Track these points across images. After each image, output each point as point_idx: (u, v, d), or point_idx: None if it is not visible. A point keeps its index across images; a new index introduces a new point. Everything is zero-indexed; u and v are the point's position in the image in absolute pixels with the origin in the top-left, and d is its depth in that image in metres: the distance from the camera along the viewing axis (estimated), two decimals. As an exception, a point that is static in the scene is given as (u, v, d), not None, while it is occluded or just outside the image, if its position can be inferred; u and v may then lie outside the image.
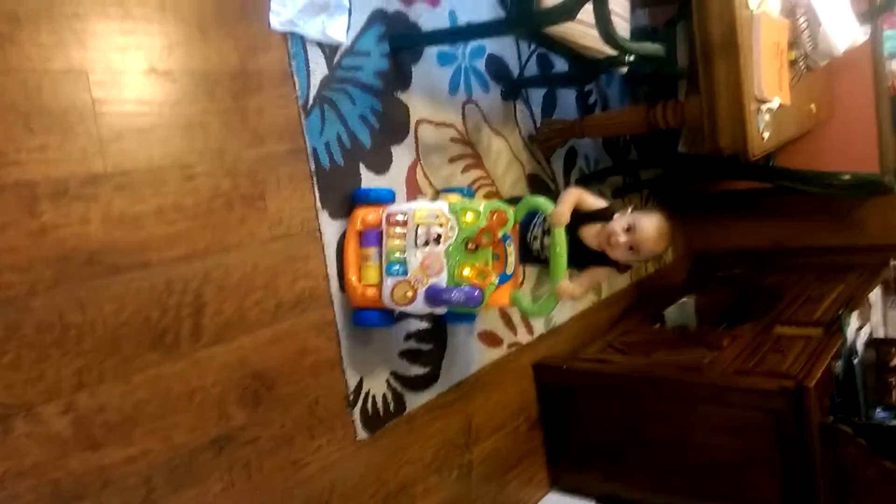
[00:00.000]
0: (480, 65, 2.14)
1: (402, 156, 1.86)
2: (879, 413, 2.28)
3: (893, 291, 2.96)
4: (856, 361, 2.15)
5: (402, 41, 1.82)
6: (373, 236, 1.62)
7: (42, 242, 1.15)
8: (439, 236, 1.56)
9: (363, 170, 1.75)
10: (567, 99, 2.54)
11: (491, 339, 2.16)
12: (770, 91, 1.77)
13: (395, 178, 1.83)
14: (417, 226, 1.57)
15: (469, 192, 1.97)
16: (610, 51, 1.74)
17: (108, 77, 1.25)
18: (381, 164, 1.80)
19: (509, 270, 1.58)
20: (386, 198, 1.69)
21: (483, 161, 2.15)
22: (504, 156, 2.24)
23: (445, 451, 1.98)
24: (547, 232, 1.59)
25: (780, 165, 2.64)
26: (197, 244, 1.37)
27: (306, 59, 1.61)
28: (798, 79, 2.10)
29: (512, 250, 1.59)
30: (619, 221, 1.59)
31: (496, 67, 2.20)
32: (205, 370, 1.38)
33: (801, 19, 2.03)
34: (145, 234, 1.29)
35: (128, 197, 1.26)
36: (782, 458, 1.93)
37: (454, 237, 1.56)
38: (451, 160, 2.03)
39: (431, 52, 1.95)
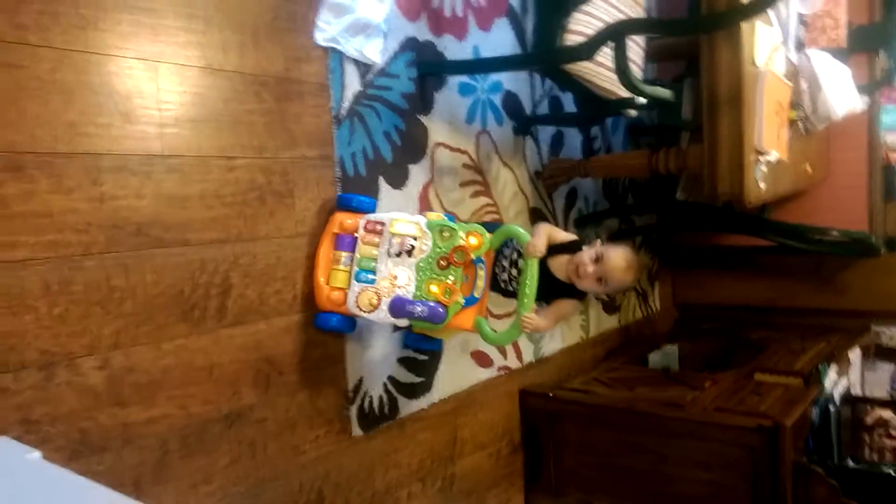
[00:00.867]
0: (497, 99, 2.28)
1: (417, 174, 1.99)
2: (851, 465, 2.38)
3: (872, 355, 3.09)
4: (832, 409, 2.25)
5: (429, 68, 1.96)
6: (347, 241, 1.63)
7: (100, 209, 1.26)
8: (412, 248, 1.57)
9: (382, 182, 1.87)
10: (573, 141, 2.68)
11: (482, 359, 2.26)
12: (769, 144, 1.91)
13: (410, 193, 1.96)
14: (393, 235, 1.58)
15: (451, 219, 2.05)
16: (623, 93, 1.88)
17: (172, 69, 1.37)
18: (399, 180, 1.93)
19: (477, 293, 1.59)
20: (367, 207, 1.69)
21: (491, 189, 2.28)
22: (510, 187, 2.37)
23: (431, 460, 2.06)
24: (515, 264, 1.65)
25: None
26: (230, 230, 1.48)
27: (342, 75, 1.74)
28: (796, 138, 2.25)
29: (483, 274, 1.59)
30: (588, 252, 1.64)
31: (511, 103, 2.34)
32: (224, 348, 1.47)
33: (804, 83, 2.19)
34: (188, 215, 1.40)
35: (177, 179, 1.38)
36: (755, 494, 2.02)
37: (427, 252, 1.57)
38: (462, 184, 2.16)
39: (454, 81, 2.10)
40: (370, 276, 1.58)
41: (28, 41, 1.18)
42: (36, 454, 1.04)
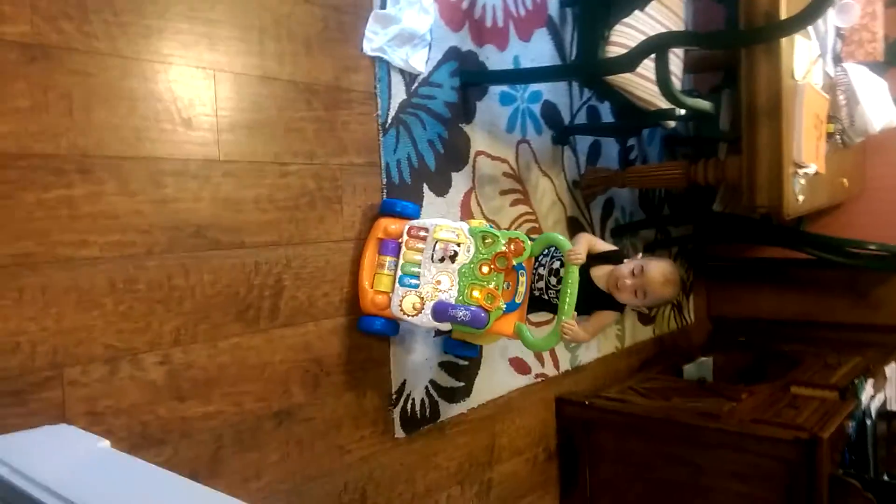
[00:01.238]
0: (536, 109, 2.32)
1: (460, 182, 2.02)
2: (887, 479, 2.36)
3: (907, 370, 3.06)
4: (868, 423, 2.24)
5: (472, 77, 2.01)
6: (392, 246, 1.66)
7: (162, 211, 1.31)
8: (455, 254, 1.60)
9: (426, 190, 1.91)
10: (610, 151, 2.71)
11: (520, 365, 2.28)
12: (808, 157, 1.92)
13: (452, 201, 1.99)
14: (436, 241, 1.61)
15: (489, 226, 2.05)
16: (662, 104, 1.91)
17: (230, 77, 1.43)
18: (442, 187, 1.97)
19: (518, 299, 1.60)
20: (412, 212, 1.73)
21: (530, 198, 2.31)
22: (549, 196, 2.40)
23: (469, 464, 2.09)
24: (553, 272, 1.65)
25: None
26: (283, 234, 1.53)
27: (389, 84, 1.79)
28: (833, 151, 2.26)
29: (524, 280, 1.60)
30: (628, 265, 1.65)
31: (550, 113, 2.38)
32: (276, 348, 1.52)
33: (841, 97, 2.20)
34: (243, 218, 1.45)
35: (233, 183, 1.43)
36: (791, 507, 2.02)
37: (470, 257, 1.60)
38: (502, 193, 2.19)
39: (495, 91, 2.14)
40: (414, 281, 1.61)
41: (98, 50, 1.24)
42: (105, 443, 1.09)
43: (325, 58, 1.63)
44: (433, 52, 1.91)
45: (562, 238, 1.61)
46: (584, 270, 1.64)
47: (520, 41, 2.22)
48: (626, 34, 1.81)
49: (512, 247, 1.59)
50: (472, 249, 1.60)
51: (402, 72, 1.82)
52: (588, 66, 1.79)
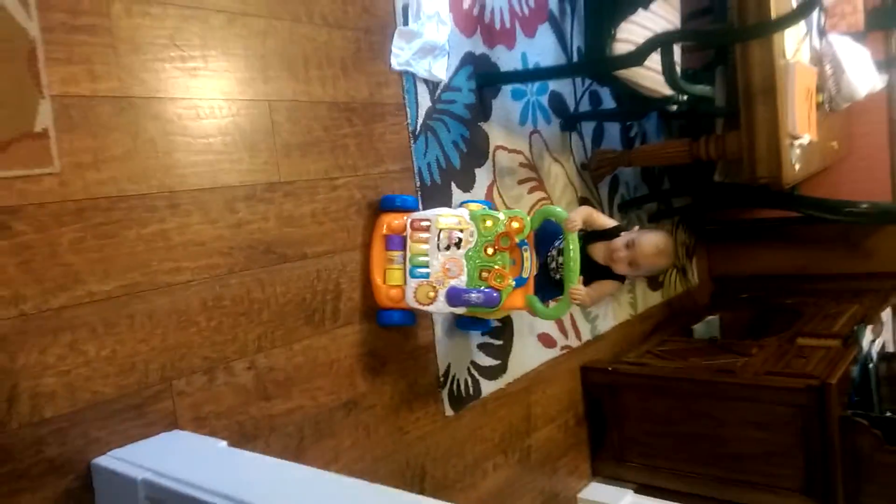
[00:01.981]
0: (545, 100, 2.47)
1: (482, 176, 2.18)
2: (891, 416, 2.56)
3: (902, 313, 3.26)
4: (871, 366, 2.44)
5: (487, 79, 2.15)
6: (397, 240, 1.72)
7: (238, 234, 1.46)
8: (460, 241, 1.67)
9: (454, 187, 2.06)
10: (612, 132, 2.86)
11: (547, 340, 2.46)
12: (802, 129, 2.08)
13: (477, 195, 2.15)
14: (440, 231, 1.68)
15: (488, 205, 2.01)
16: (666, 91, 2.06)
17: (284, 105, 1.57)
18: (467, 183, 2.12)
19: (525, 274, 1.67)
20: (411, 205, 1.79)
21: (544, 184, 2.47)
22: (561, 180, 2.56)
23: (510, 434, 2.27)
24: (560, 252, 1.72)
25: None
26: (337, 242, 1.68)
27: (416, 94, 1.94)
28: (822, 118, 2.42)
29: (528, 255, 1.67)
30: (622, 238, 1.75)
31: (556, 102, 2.53)
32: (340, 345, 1.68)
33: (828, 66, 2.35)
34: (304, 232, 1.60)
35: (293, 201, 1.58)
36: (806, 448, 2.21)
37: (474, 241, 1.66)
38: (520, 182, 2.35)
39: (507, 87, 2.28)
40: (424, 271, 1.69)
41: (174, 95, 1.38)
42: (223, 443, 1.26)
43: (360, 77, 1.77)
44: (451, 59, 2.05)
45: (557, 209, 1.68)
46: (582, 247, 1.72)
47: (526, 38, 2.37)
48: (632, 31, 1.96)
49: (513, 225, 1.66)
50: (475, 233, 1.67)
51: (426, 81, 1.96)
52: (598, 63, 1.94)
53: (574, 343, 2.59)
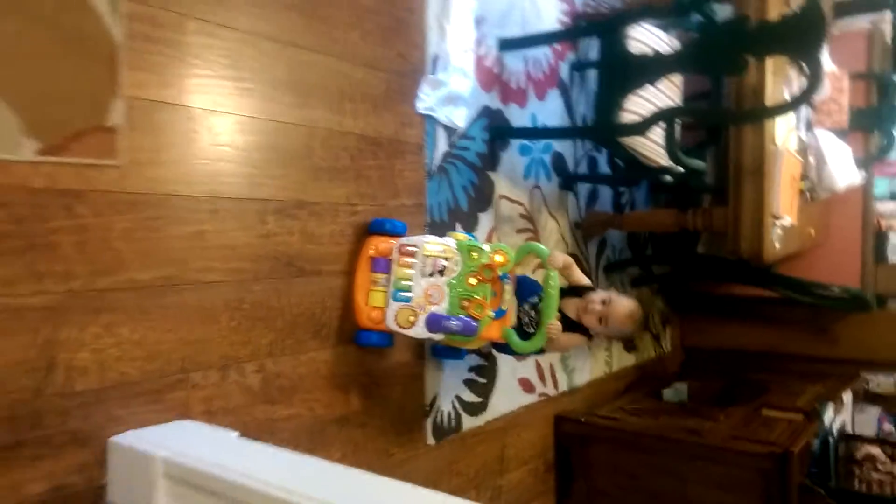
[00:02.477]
0: (548, 158, 2.63)
1: (484, 221, 2.31)
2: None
3: (861, 399, 3.42)
4: (831, 441, 2.57)
5: (501, 132, 2.30)
6: (383, 263, 1.75)
7: (265, 244, 1.57)
8: (444, 268, 1.71)
9: (458, 227, 2.19)
10: (605, 195, 3.03)
11: (527, 385, 2.56)
12: (784, 211, 2.25)
13: (478, 238, 2.27)
14: (426, 257, 1.72)
15: (473, 237, 2.00)
16: (664, 161, 2.22)
17: (319, 132, 1.70)
18: (470, 225, 2.25)
19: (504, 307, 1.72)
20: (400, 230, 1.84)
21: (540, 236, 2.61)
22: (555, 234, 2.70)
23: (484, 472, 2.35)
24: (534, 307, 1.77)
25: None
26: (350, 264, 1.79)
27: (435, 137, 2.08)
28: (803, 205, 2.60)
29: (508, 289, 1.73)
30: (600, 294, 1.81)
31: (558, 162, 2.69)
32: (341, 362, 1.77)
33: (812, 158, 2.55)
34: (322, 250, 1.71)
35: (316, 220, 1.69)
36: (765, 513, 2.32)
37: (458, 271, 1.70)
38: (518, 231, 2.49)
39: (516, 142, 2.44)
40: (406, 295, 1.71)
41: (226, 109, 1.50)
42: (235, 433, 1.34)
43: (388, 115, 1.91)
44: (470, 110, 2.20)
45: (540, 246, 1.75)
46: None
47: (537, 100, 2.54)
48: (638, 103, 2.12)
49: (496, 258, 1.72)
50: (460, 263, 1.71)
51: (445, 127, 2.10)
52: (605, 129, 2.10)
53: (551, 391, 2.70)
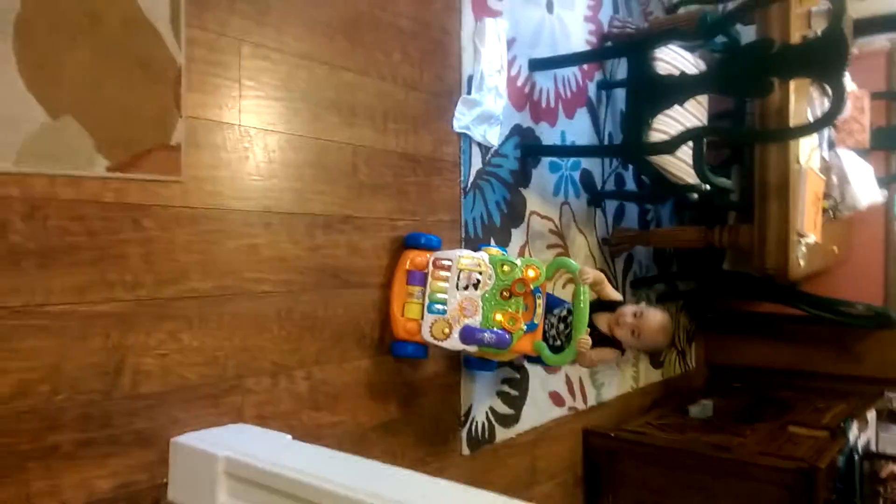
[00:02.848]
0: (577, 175, 2.69)
1: (517, 237, 2.37)
2: (872, 508, 2.70)
3: (885, 418, 3.42)
4: (856, 458, 2.59)
5: (532, 150, 2.37)
6: (418, 276, 1.80)
7: (313, 256, 1.64)
8: (478, 282, 1.75)
9: (492, 242, 2.25)
10: (631, 212, 3.09)
11: (557, 398, 2.61)
12: (808, 228, 2.29)
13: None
14: (460, 271, 1.76)
15: (504, 251, 2.07)
16: (691, 179, 2.28)
17: (364, 150, 1.78)
18: (504, 241, 2.31)
19: (536, 320, 1.75)
20: (435, 244, 1.89)
21: (569, 251, 2.66)
22: (583, 250, 2.76)
23: (515, 483, 2.39)
24: (562, 319, 1.81)
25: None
26: (390, 276, 1.86)
27: (470, 155, 2.15)
28: (827, 224, 2.64)
29: (540, 303, 1.75)
30: (632, 307, 1.83)
31: (586, 179, 2.75)
32: (381, 371, 1.84)
33: (834, 177, 2.59)
34: (366, 263, 1.78)
35: (360, 235, 1.77)
36: (792, 527, 2.34)
37: (491, 285, 1.75)
38: (549, 246, 2.55)
39: (546, 160, 2.50)
40: (441, 307, 1.76)
41: (277, 128, 1.58)
42: (288, 436, 1.40)
43: (427, 134, 1.98)
44: (503, 128, 2.27)
45: (571, 262, 1.77)
46: (588, 315, 1.78)
47: (566, 119, 2.61)
48: (666, 122, 2.19)
49: (529, 273, 1.76)
50: (493, 277, 1.76)
51: (479, 145, 2.18)
52: (634, 148, 2.16)
53: (580, 405, 2.74)
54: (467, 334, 1.73)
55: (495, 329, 1.74)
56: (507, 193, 2.32)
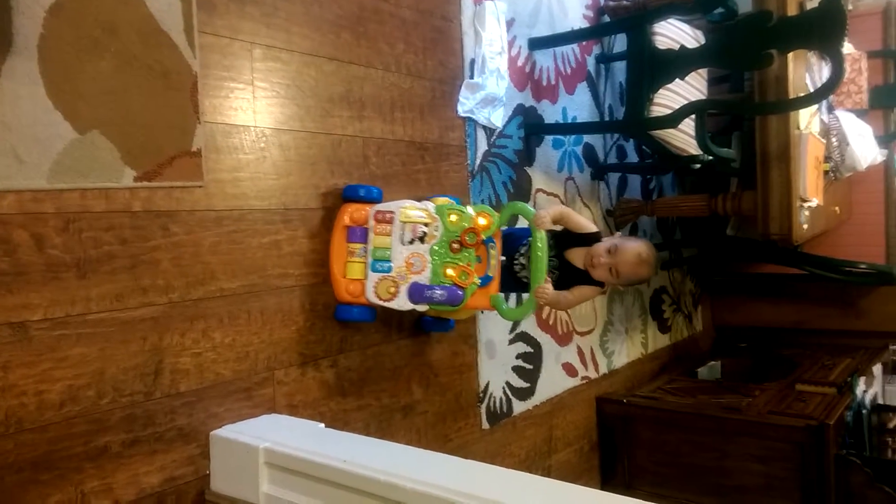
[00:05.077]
0: (579, 150, 2.73)
1: (524, 216, 2.42)
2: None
3: (891, 370, 3.50)
4: (864, 413, 2.66)
5: (535, 129, 2.41)
6: (359, 232, 1.65)
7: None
8: (424, 235, 1.60)
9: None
10: (634, 183, 3.13)
11: (570, 369, 2.68)
12: (811, 193, 2.34)
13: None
14: (404, 224, 1.61)
15: (457, 201, 1.89)
16: (693, 150, 2.32)
17: (374, 141, 1.82)
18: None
19: (491, 272, 1.63)
20: (376, 196, 1.72)
21: (575, 226, 2.71)
22: (588, 224, 2.80)
23: (534, 453, 2.47)
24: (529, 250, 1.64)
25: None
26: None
27: (475, 138, 2.19)
28: (827, 185, 2.69)
29: (494, 254, 1.63)
30: (604, 243, 1.67)
31: (589, 153, 2.79)
32: (402, 354, 1.90)
33: (834, 139, 2.63)
34: (382, 252, 1.83)
35: (375, 224, 1.81)
36: (803, 483, 2.42)
37: (439, 236, 1.60)
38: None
39: (549, 137, 2.54)
40: (386, 265, 1.62)
41: (293, 126, 1.62)
42: (321, 425, 1.46)
43: (433, 120, 2.02)
44: (506, 110, 2.31)
45: (525, 205, 1.65)
46: (559, 251, 1.71)
47: (567, 94, 2.64)
48: (667, 96, 2.22)
49: (480, 220, 1.62)
50: (441, 228, 1.61)
51: (484, 127, 2.21)
52: (637, 123, 2.20)
53: (592, 374, 2.81)
54: (415, 292, 1.60)
55: (446, 285, 1.60)
56: (513, 173, 2.37)
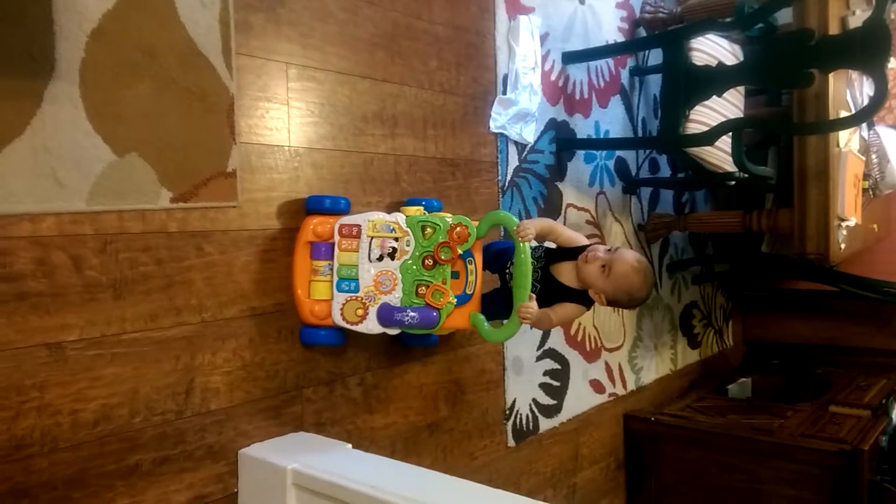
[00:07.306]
0: (611, 164, 2.71)
1: (554, 231, 2.40)
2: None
3: (928, 392, 3.41)
4: (900, 438, 2.60)
5: (567, 144, 2.39)
6: (324, 249, 1.51)
7: (362, 267, 1.69)
8: (394, 250, 1.47)
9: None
10: (666, 197, 3.09)
11: (598, 386, 2.65)
12: (849, 212, 2.29)
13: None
14: (371, 238, 1.48)
15: (437, 205, 1.80)
16: (728, 167, 2.29)
17: (405, 158, 1.82)
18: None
19: (469, 290, 1.47)
20: (343, 207, 1.56)
21: (606, 241, 2.69)
22: (619, 238, 2.78)
23: (560, 471, 2.46)
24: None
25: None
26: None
27: (507, 154, 2.18)
28: (866, 202, 2.63)
29: (473, 269, 1.48)
30: (603, 246, 1.59)
31: (621, 167, 2.76)
32: (429, 372, 1.90)
33: (874, 156, 2.58)
34: (412, 269, 1.83)
35: (405, 242, 1.81)
36: (836, 509, 2.38)
37: (410, 251, 1.46)
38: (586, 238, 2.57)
39: (580, 152, 2.52)
40: (353, 284, 1.48)
41: (329, 138, 1.63)
42: (349, 445, 1.47)
43: (465, 137, 2.02)
44: (538, 125, 2.30)
45: (508, 215, 1.50)
46: (545, 266, 1.60)
47: (599, 108, 2.62)
48: (703, 113, 2.19)
49: (456, 234, 1.47)
50: (413, 242, 1.47)
51: (516, 143, 2.20)
52: (671, 140, 2.17)
53: (620, 391, 2.78)
54: (385, 315, 1.46)
55: (419, 306, 1.46)
56: (544, 188, 2.35)
